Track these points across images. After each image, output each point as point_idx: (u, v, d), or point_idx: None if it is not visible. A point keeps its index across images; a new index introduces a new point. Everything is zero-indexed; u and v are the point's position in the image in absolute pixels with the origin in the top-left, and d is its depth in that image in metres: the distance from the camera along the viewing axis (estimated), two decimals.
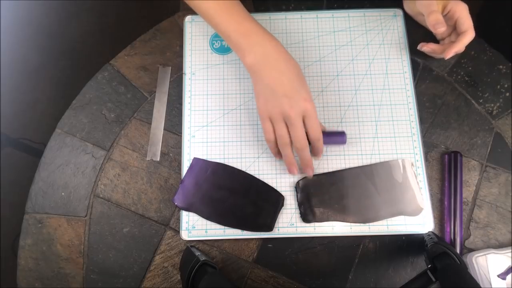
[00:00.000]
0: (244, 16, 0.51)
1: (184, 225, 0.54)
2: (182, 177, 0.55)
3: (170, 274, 0.53)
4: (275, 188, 0.54)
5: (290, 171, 0.52)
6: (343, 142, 0.54)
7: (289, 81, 0.48)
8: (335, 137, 0.54)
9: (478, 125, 0.58)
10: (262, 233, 0.53)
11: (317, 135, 0.49)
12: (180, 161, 0.56)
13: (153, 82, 0.60)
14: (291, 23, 0.62)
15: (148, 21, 0.67)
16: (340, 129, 0.57)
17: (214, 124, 0.57)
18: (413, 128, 0.57)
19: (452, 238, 0.52)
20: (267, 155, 0.56)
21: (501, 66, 0.60)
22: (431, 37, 0.61)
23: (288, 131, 0.49)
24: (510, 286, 0.49)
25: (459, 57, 0.61)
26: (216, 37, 0.62)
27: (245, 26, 0.50)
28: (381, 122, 0.57)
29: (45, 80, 1.39)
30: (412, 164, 0.55)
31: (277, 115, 0.48)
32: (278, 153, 0.53)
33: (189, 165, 0.55)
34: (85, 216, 0.55)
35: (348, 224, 0.53)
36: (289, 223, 0.53)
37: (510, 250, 0.51)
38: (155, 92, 0.60)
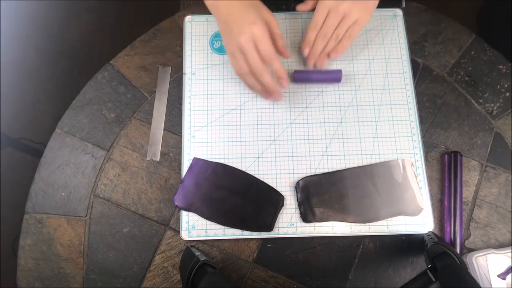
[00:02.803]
0: None
1: (184, 225, 0.54)
2: (182, 177, 0.55)
3: (170, 274, 0.53)
4: (275, 188, 0.54)
5: (264, 97, 0.56)
6: (338, 79, 0.57)
7: (239, 8, 0.49)
8: (330, 74, 0.57)
9: (478, 125, 0.58)
10: (262, 233, 0.53)
11: (269, 56, 0.49)
12: (180, 161, 0.56)
13: (153, 82, 0.60)
14: (291, 23, 0.62)
15: (148, 21, 0.67)
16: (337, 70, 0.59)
17: (214, 124, 0.57)
18: (413, 128, 0.57)
19: (452, 238, 0.52)
20: (267, 155, 0.56)
21: (501, 66, 0.60)
22: (431, 38, 0.61)
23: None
24: (510, 286, 0.49)
25: (459, 57, 0.61)
26: (216, 37, 0.62)
27: None
28: (381, 122, 0.57)
29: (45, 80, 1.39)
30: (412, 164, 0.55)
31: (234, 48, 0.49)
32: (252, 86, 0.54)
33: (189, 165, 0.55)
34: (85, 216, 0.55)
35: (348, 224, 0.53)
36: (289, 223, 0.53)
37: (510, 250, 0.51)
38: (155, 92, 0.60)
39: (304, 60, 0.59)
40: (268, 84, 0.51)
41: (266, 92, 0.54)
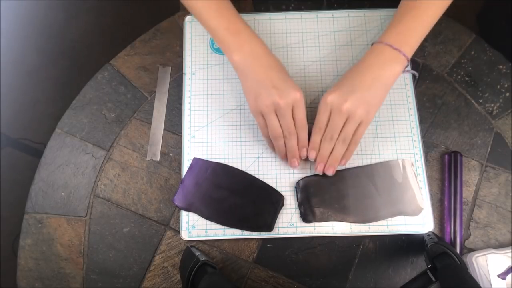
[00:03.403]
0: (234, 15, 0.52)
1: (184, 225, 0.53)
2: (182, 177, 0.55)
3: (170, 274, 0.53)
4: (275, 188, 0.54)
5: (282, 159, 0.54)
6: None
7: (276, 74, 0.50)
8: None
9: (478, 125, 0.58)
10: (262, 233, 0.53)
11: (302, 123, 0.51)
12: (180, 161, 0.56)
13: (153, 82, 0.60)
14: (291, 23, 0.62)
15: (148, 21, 0.66)
16: None
17: (214, 124, 0.57)
18: (413, 128, 0.57)
19: (452, 238, 0.52)
20: (267, 155, 0.56)
21: (501, 66, 0.60)
22: (431, 38, 0.61)
23: (280, 123, 0.50)
24: (510, 286, 0.49)
25: (459, 57, 0.61)
26: None
27: (235, 25, 0.51)
28: (381, 122, 0.57)
29: (45, 80, 1.39)
30: (412, 164, 0.55)
31: (268, 108, 0.49)
32: (274, 146, 0.53)
33: (189, 165, 0.55)
34: (85, 216, 0.55)
35: (348, 224, 0.53)
36: (289, 223, 0.53)
37: (510, 250, 0.51)
38: (155, 92, 0.60)
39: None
40: (294, 149, 0.51)
41: (285, 157, 0.53)
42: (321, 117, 0.51)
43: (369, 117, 0.50)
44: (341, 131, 0.50)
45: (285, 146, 0.52)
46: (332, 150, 0.51)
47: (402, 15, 0.52)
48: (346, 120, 0.50)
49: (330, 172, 0.52)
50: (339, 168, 0.55)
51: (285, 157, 0.53)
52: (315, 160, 0.52)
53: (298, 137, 0.51)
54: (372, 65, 0.51)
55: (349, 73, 0.52)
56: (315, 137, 0.51)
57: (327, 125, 0.51)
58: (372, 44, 0.53)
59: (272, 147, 0.54)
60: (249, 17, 0.62)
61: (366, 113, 0.50)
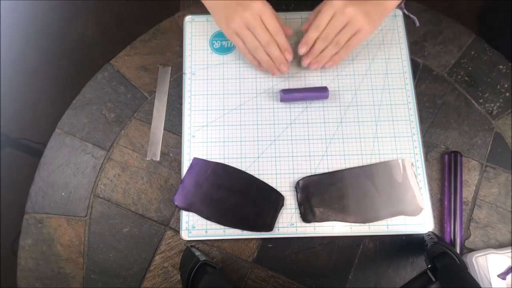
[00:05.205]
0: None
1: (184, 225, 0.53)
2: (182, 177, 0.55)
3: (170, 274, 0.53)
4: (275, 188, 0.54)
5: (273, 73, 0.55)
6: (326, 96, 0.56)
7: None
8: (317, 92, 0.57)
9: (478, 125, 0.58)
10: (262, 233, 0.53)
11: (275, 29, 0.52)
12: (180, 161, 0.56)
13: (153, 82, 0.60)
14: (291, 23, 0.62)
15: (148, 21, 0.67)
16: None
17: (214, 124, 0.57)
18: (413, 128, 0.57)
19: (452, 238, 0.52)
20: (267, 155, 0.56)
21: (501, 66, 0.60)
22: (431, 38, 0.61)
23: (255, 36, 0.51)
24: (510, 286, 0.49)
25: (459, 57, 0.61)
26: (216, 37, 0.62)
27: None
28: (381, 122, 0.57)
29: (45, 80, 1.39)
30: (412, 164, 0.55)
31: (239, 25, 0.51)
32: (259, 64, 0.55)
33: (189, 165, 0.55)
34: (85, 216, 0.55)
35: (348, 224, 0.53)
36: (289, 223, 0.53)
37: (510, 250, 0.51)
38: (155, 92, 0.60)
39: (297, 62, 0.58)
40: (277, 55, 0.53)
41: (272, 66, 0.54)
42: (323, 17, 0.52)
43: (368, 28, 0.52)
44: (337, 34, 0.52)
45: (270, 57, 0.53)
46: (324, 49, 0.53)
47: None
48: (345, 25, 0.51)
49: (314, 67, 0.55)
50: (339, 168, 0.55)
51: (273, 68, 0.55)
52: (305, 55, 0.54)
53: (278, 43, 0.52)
54: None
55: None
56: (311, 34, 0.53)
57: (325, 26, 0.52)
58: None
59: (257, 64, 0.55)
60: None
61: (366, 23, 0.51)
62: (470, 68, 0.60)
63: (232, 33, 0.52)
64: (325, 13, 0.51)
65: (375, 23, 0.53)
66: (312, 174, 0.55)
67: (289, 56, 0.54)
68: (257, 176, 0.55)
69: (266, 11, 0.51)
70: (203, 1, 0.55)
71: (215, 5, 0.53)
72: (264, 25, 0.51)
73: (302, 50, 0.54)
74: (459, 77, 0.60)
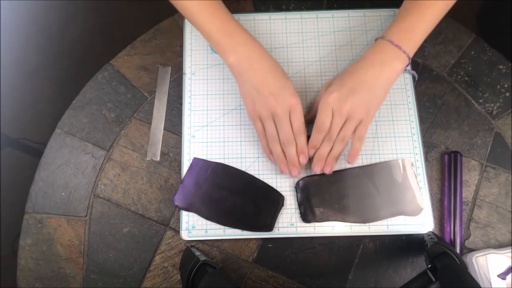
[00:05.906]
0: (227, 16, 0.52)
1: (184, 225, 0.54)
2: (182, 177, 0.55)
3: (170, 274, 0.53)
4: (275, 188, 0.54)
5: (281, 170, 0.52)
6: None
7: (273, 80, 0.49)
8: None
9: (478, 125, 0.58)
10: (262, 233, 0.53)
11: (299, 129, 0.50)
12: (180, 161, 0.56)
13: (153, 82, 0.60)
14: (291, 23, 0.62)
15: (148, 21, 0.66)
16: None
17: (214, 124, 0.57)
18: (413, 128, 0.57)
19: (452, 238, 0.52)
20: None
21: (501, 66, 0.60)
22: (431, 38, 0.61)
23: (277, 129, 0.50)
24: (510, 286, 0.49)
25: (459, 57, 0.61)
26: None
27: (228, 26, 0.51)
28: (381, 122, 0.57)
29: (45, 80, 1.39)
30: (412, 164, 0.55)
31: (265, 113, 0.50)
32: (271, 153, 0.53)
33: (189, 165, 0.55)
34: (85, 216, 0.55)
35: (348, 224, 0.53)
36: (289, 223, 0.53)
37: (510, 250, 0.51)
38: (155, 92, 0.60)
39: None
40: (293, 157, 0.51)
41: (283, 163, 0.52)
42: (323, 118, 0.50)
43: (369, 116, 0.50)
44: (340, 130, 0.50)
45: (284, 154, 0.51)
46: (331, 149, 0.51)
47: (405, 13, 0.53)
48: (346, 120, 0.50)
49: (327, 170, 0.51)
50: (339, 168, 0.55)
51: (283, 166, 0.52)
52: (313, 161, 0.52)
53: (297, 144, 0.51)
54: (374, 63, 0.50)
55: (350, 69, 0.52)
56: (317, 137, 0.51)
57: (329, 125, 0.50)
58: (375, 40, 0.53)
59: (268, 152, 0.53)
60: (249, 17, 0.62)
61: (366, 113, 0.50)
62: (470, 68, 0.60)
63: (255, 116, 0.51)
64: (324, 113, 0.50)
65: (376, 107, 0.51)
66: (312, 174, 0.55)
67: (304, 160, 0.51)
68: (257, 176, 0.55)
69: (297, 109, 0.49)
70: (233, 74, 0.52)
71: (245, 80, 0.50)
72: (290, 122, 0.50)
73: (311, 153, 0.52)
74: (459, 77, 0.60)
